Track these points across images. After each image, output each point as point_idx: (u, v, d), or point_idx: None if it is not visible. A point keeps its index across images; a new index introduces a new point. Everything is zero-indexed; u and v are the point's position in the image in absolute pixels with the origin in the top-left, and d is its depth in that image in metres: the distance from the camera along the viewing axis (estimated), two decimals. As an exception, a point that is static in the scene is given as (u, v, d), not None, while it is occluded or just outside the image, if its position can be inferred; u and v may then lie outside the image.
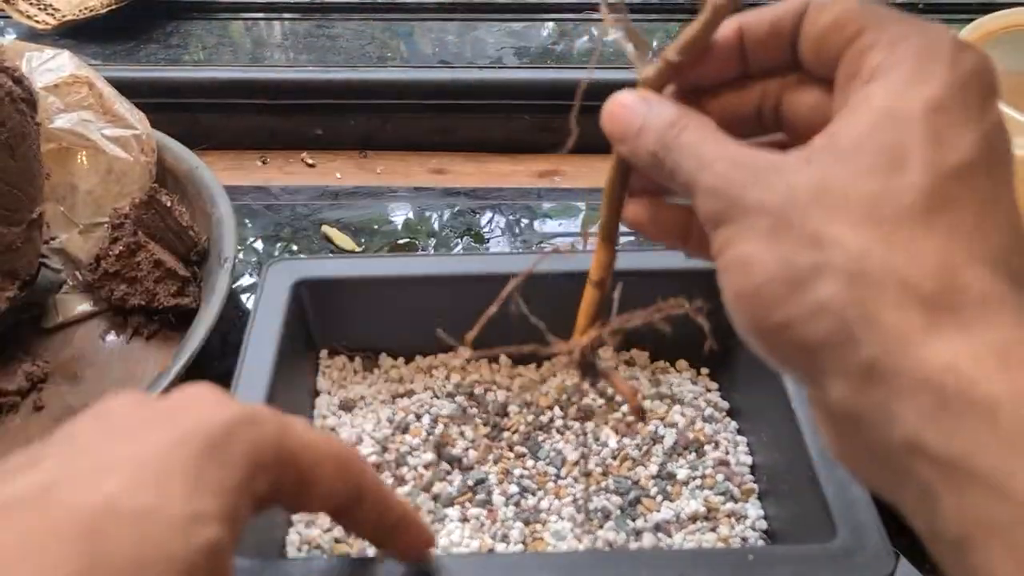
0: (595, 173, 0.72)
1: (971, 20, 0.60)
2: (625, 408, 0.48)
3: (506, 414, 0.48)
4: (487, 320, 0.29)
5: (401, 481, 0.44)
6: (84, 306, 0.58)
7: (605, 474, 0.45)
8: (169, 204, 0.56)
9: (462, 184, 0.73)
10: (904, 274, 0.20)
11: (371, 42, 0.82)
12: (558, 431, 0.47)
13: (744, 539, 0.42)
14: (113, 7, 0.81)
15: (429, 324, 0.49)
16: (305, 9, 0.87)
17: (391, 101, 0.74)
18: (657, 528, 0.42)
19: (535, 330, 0.29)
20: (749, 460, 0.46)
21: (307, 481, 0.25)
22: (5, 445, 0.50)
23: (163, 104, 0.68)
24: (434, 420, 0.47)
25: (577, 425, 0.47)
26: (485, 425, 0.47)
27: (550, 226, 0.68)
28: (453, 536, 0.42)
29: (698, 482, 0.44)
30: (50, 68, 0.59)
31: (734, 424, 0.48)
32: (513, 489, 0.44)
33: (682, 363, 0.51)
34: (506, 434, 0.47)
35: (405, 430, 0.47)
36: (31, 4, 0.82)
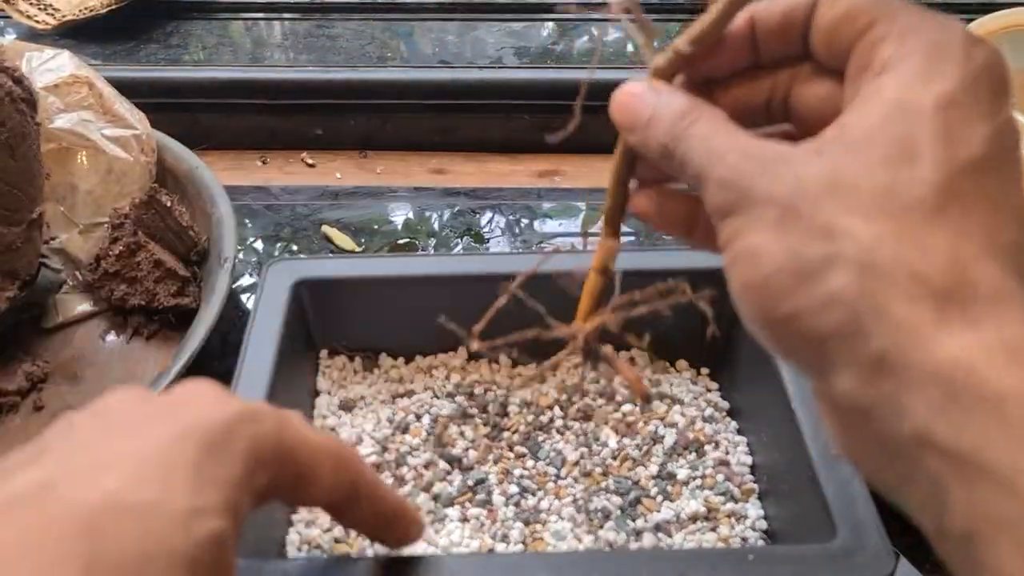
0: (595, 173, 0.72)
1: (971, 20, 0.60)
2: (625, 408, 0.48)
3: (506, 414, 0.48)
4: (486, 320, 0.29)
5: (401, 481, 0.44)
6: (84, 306, 0.58)
7: (605, 474, 0.45)
8: (169, 204, 0.56)
9: (462, 184, 0.73)
10: (915, 267, 0.20)
11: (371, 42, 0.82)
12: (558, 431, 0.47)
13: (744, 539, 0.42)
14: (113, 7, 0.81)
15: (429, 324, 0.49)
16: (305, 9, 0.87)
17: (391, 101, 0.74)
18: (657, 528, 0.42)
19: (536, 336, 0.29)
20: (749, 460, 0.46)
21: (305, 477, 0.25)
22: (5, 445, 0.50)
23: (163, 104, 0.68)
24: (434, 420, 0.47)
25: (577, 425, 0.47)
26: (485, 425, 0.47)
27: (550, 226, 0.68)
28: (453, 536, 0.42)
29: (698, 482, 0.44)
30: (50, 68, 0.59)
31: (734, 424, 0.48)
32: (513, 489, 0.44)
33: (682, 363, 0.51)
34: (506, 434, 0.47)
35: (405, 430, 0.47)
36: (31, 4, 0.82)
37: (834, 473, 0.38)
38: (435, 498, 0.44)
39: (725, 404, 0.49)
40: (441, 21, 0.85)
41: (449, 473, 0.45)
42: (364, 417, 0.48)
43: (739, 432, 0.47)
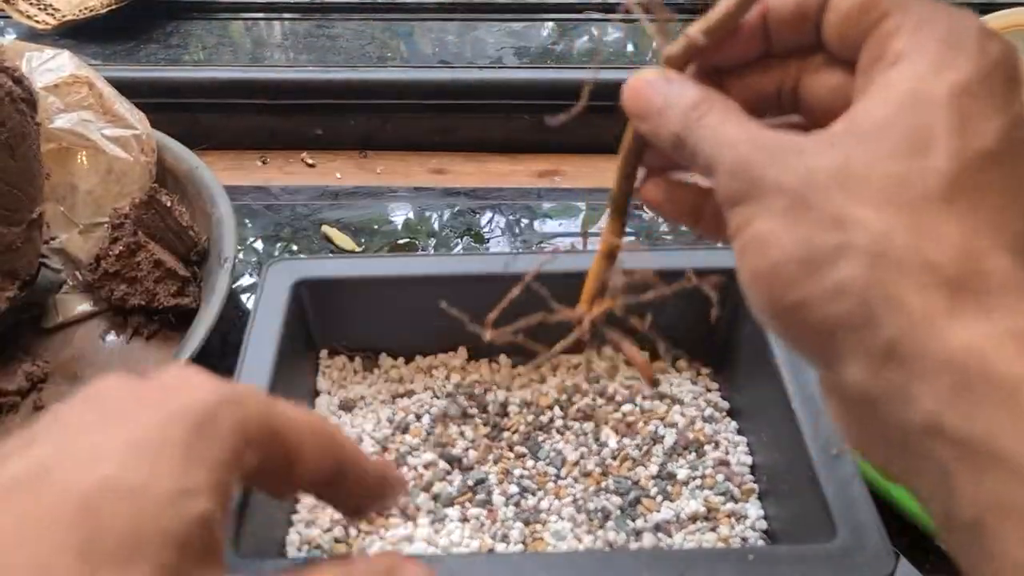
0: (595, 173, 0.72)
1: (971, 20, 0.60)
2: (625, 408, 0.48)
3: (506, 414, 0.48)
4: (500, 310, 0.29)
5: (401, 481, 0.44)
6: (84, 306, 0.58)
7: (605, 474, 0.45)
8: (169, 204, 0.56)
9: (462, 184, 0.73)
10: (927, 257, 0.20)
11: (371, 42, 0.82)
12: (558, 431, 0.47)
13: (744, 539, 0.42)
14: (113, 7, 0.81)
15: (429, 324, 0.49)
16: (305, 9, 0.87)
17: (391, 101, 0.74)
18: (657, 528, 0.42)
19: (535, 332, 0.29)
20: (749, 460, 0.46)
21: (292, 457, 0.25)
22: (5, 445, 0.50)
23: (163, 104, 0.68)
24: (434, 420, 0.47)
25: (577, 425, 0.47)
26: (485, 425, 0.47)
27: (550, 226, 0.68)
28: (453, 536, 0.42)
29: (698, 482, 0.44)
30: (50, 68, 0.59)
31: (734, 424, 0.48)
32: (513, 489, 0.44)
33: (682, 363, 0.51)
34: (506, 434, 0.47)
35: (405, 430, 0.47)
36: (31, 4, 0.82)
37: (834, 473, 0.38)
38: (435, 498, 0.44)
39: (725, 404, 0.49)
40: (441, 21, 0.86)
41: (449, 473, 0.45)
42: (364, 417, 0.48)
43: (739, 432, 0.47)
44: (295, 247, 0.67)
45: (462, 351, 0.51)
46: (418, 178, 0.74)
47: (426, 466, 0.45)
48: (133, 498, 0.20)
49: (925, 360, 0.20)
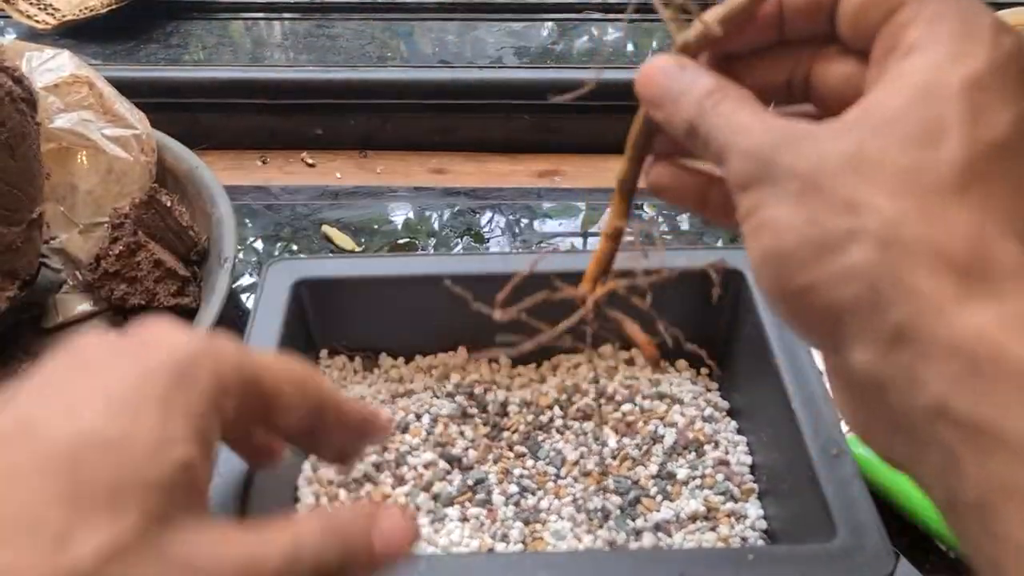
0: (595, 173, 0.72)
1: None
2: (625, 408, 0.48)
3: (506, 414, 0.48)
4: (486, 321, 0.29)
5: (401, 481, 0.45)
6: (84, 306, 0.58)
7: (605, 474, 0.45)
8: (169, 204, 0.56)
9: (462, 184, 0.73)
10: (938, 244, 0.20)
11: (371, 42, 0.82)
12: (558, 431, 0.47)
13: (744, 539, 0.42)
14: (113, 7, 0.81)
15: (429, 324, 0.49)
16: (305, 9, 0.87)
17: (391, 101, 0.74)
18: (657, 528, 0.42)
19: (535, 332, 0.29)
20: (749, 460, 0.46)
21: (271, 401, 0.26)
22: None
23: (163, 104, 0.68)
24: (434, 420, 0.47)
25: (577, 425, 0.47)
26: (485, 425, 0.47)
27: (550, 226, 0.68)
28: (453, 536, 0.42)
29: (698, 482, 0.44)
30: (50, 68, 0.59)
31: (734, 424, 0.48)
32: (513, 489, 0.44)
33: (682, 363, 0.51)
34: (506, 434, 0.47)
35: (405, 430, 0.47)
36: (31, 4, 0.82)
37: (834, 473, 0.38)
38: (435, 498, 0.44)
39: (725, 404, 0.49)
40: (441, 21, 0.86)
41: (449, 473, 0.45)
42: (364, 417, 0.48)
43: (739, 432, 0.47)
44: (295, 247, 0.67)
45: (462, 351, 0.51)
46: (418, 178, 0.74)
47: (426, 466, 0.45)
48: (116, 448, 0.21)
49: (933, 344, 0.20)
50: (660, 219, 0.68)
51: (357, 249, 0.66)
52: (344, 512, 0.25)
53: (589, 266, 0.30)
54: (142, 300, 0.55)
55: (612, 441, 0.46)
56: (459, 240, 0.67)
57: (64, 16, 0.80)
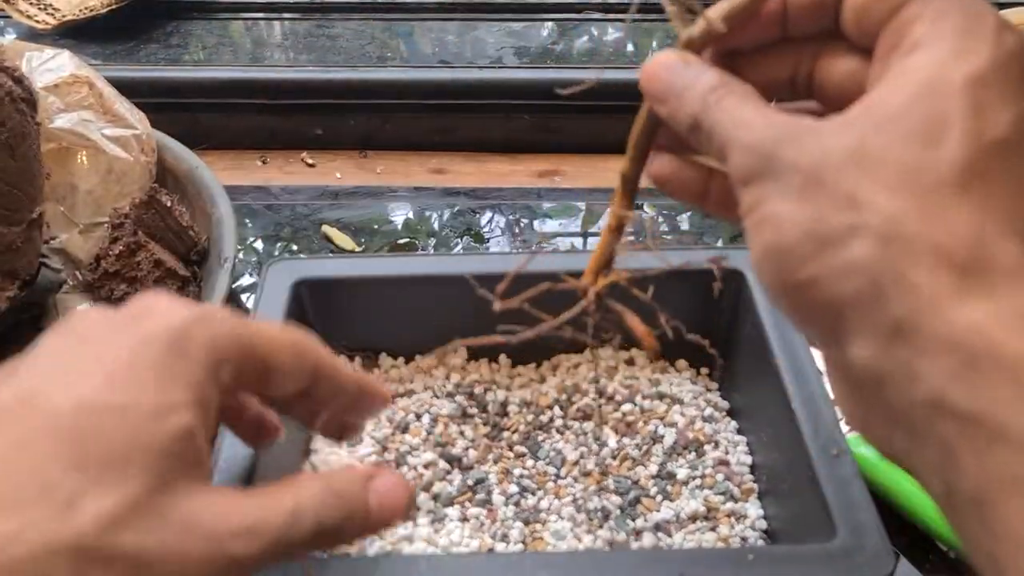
0: (595, 173, 0.72)
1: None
2: (625, 408, 0.48)
3: (506, 414, 0.48)
4: (487, 321, 0.29)
5: (401, 481, 0.44)
6: (84, 306, 0.58)
7: (605, 474, 0.45)
8: (169, 204, 0.56)
9: (462, 184, 0.73)
10: (938, 240, 0.20)
11: (371, 42, 0.82)
12: (558, 431, 0.47)
13: (744, 539, 0.42)
14: (113, 7, 0.81)
15: (429, 324, 0.49)
16: (305, 9, 0.87)
17: (391, 101, 0.75)
18: (657, 528, 0.42)
19: (539, 336, 0.29)
20: (749, 460, 0.46)
21: (267, 366, 0.26)
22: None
23: (163, 104, 0.68)
24: (434, 420, 0.47)
25: (577, 425, 0.47)
26: (485, 425, 0.47)
27: (550, 226, 0.68)
28: (453, 536, 0.42)
29: (698, 482, 0.44)
30: (50, 68, 0.59)
31: (734, 424, 0.48)
32: (513, 489, 0.44)
33: (682, 363, 0.51)
34: (506, 434, 0.47)
35: (405, 430, 0.47)
36: (31, 4, 0.82)
37: (834, 473, 0.38)
38: (435, 498, 0.44)
39: (725, 404, 0.49)
40: (441, 21, 0.86)
41: (449, 473, 0.45)
42: (364, 417, 0.48)
43: (739, 432, 0.47)
44: (295, 247, 0.67)
45: (462, 351, 0.51)
46: (418, 178, 0.74)
47: (426, 466, 0.45)
48: (117, 416, 0.22)
49: (932, 339, 0.20)
50: (660, 219, 0.68)
51: (357, 249, 0.66)
52: (342, 474, 0.26)
53: (592, 257, 0.30)
54: (142, 300, 0.55)
55: (612, 441, 0.46)
56: (459, 240, 0.67)
57: (64, 16, 0.80)
